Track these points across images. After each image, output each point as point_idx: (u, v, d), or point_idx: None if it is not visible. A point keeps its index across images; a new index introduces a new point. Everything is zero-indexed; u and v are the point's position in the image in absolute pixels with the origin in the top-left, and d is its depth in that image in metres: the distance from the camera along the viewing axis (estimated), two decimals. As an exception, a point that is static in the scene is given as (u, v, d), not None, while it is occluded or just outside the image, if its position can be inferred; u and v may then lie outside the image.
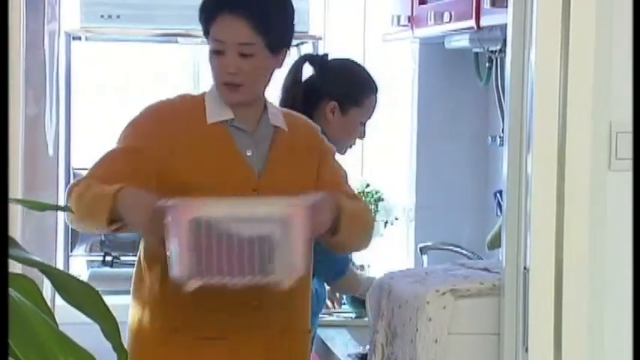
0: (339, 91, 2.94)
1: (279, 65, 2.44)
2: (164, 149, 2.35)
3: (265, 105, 2.44)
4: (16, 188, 1.40)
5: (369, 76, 3.01)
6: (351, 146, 3.01)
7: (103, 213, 2.18)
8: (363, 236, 2.47)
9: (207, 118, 2.38)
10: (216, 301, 2.26)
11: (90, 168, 2.34)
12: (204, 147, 2.38)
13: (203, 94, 2.43)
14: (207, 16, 2.36)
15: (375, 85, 2.99)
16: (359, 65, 3.07)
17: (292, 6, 2.43)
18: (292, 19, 2.44)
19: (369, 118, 2.99)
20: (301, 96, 2.95)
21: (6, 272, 1.17)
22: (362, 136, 2.99)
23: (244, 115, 2.41)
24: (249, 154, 2.39)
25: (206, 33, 2.38)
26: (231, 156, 2.39)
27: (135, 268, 2.43)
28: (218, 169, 2.37)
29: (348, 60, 3.10)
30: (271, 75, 2.44)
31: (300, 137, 2.48)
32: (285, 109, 2.58)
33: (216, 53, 2.36)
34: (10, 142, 1.40)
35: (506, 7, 2.06)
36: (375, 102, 2.98)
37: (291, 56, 4.14)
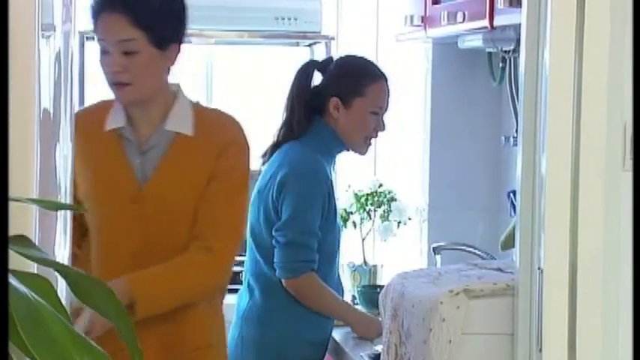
0: (338, 86, 2.92)
1: (172, 62, 2.38)
2: (77, 164, 2.36)
3: (172, 107, 2.37)
4: (31, 188, 1.41)
5: (372, 65, 2.98)
6: (369, 141, 2.96)
7: None
8: (188, 294, 2.35)
9: (105, 125, 2.36)
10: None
11: None
12: (98, 157, 2.36)
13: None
14: (92, 16, 2.33)
15: (381, 73, 2.94)
16: (360, 57, 3.04)
17: (181, 1, 2.37)
18: (181, 13, 2.37)
19: (382, 108, 2.93)
20: (307, 103, 2.95)
21: (6, 271, 1.17)
22: (381, 127, 2.94)
23: (140, 119, 2.36)
24: (137, 162, 2.34)
25: (96, 34, 2.34)
26: (117, 165, 2.34)
27: None
28: (105, 180, 2.34)
29: (349, 55, 3.08)
30: (165, 73, 2.38)
31: (204, 142, 2.37)
32: (209, 110, 2.49)
33: (102, 54, 2.33)
34: (27, 143, 1.40)
35: (521, 6, 2.05)
36: (384, 90, 2.93)
37: (305, 56, 4.18)
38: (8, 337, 1.17)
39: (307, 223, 2.83)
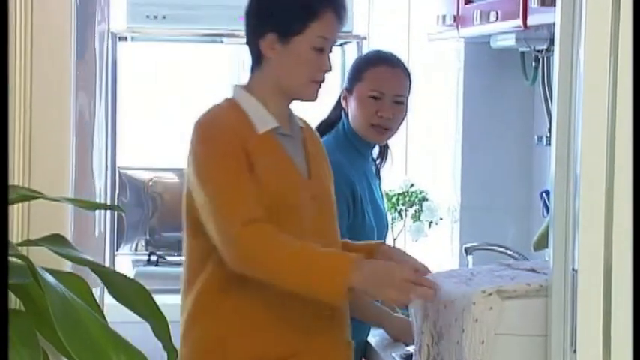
0: (347, 76, 2.92)
1: None
2: (251, 177, 2.25)
3: None
4: (67, 188, 1.42)
5: (380, 52, 2.95)
6: (379, 129, 2.91)
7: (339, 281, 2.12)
8: None
9: (258, 128, 2.31)
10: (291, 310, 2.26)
11: (231, 201, 2.19)
12: (265, 159, 2.31)
13: (232, 103, 2.35)
14: (311, 11, 2.33)
15: (384, 59, 2.89)
16: (376, 50, 3.03)
17: None
18: None
19: (383, 92, 2.84)
20: (339, 102, 2.96)
21: (6, 271, 1.18)
22: (385, 112, 2.87)
23: (284, 117, 2.39)
24: (297, 159, 2.36)
25: (303, 28, 2.32)
26: (286, 164, 2.34)
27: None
28: (282, 181, 2.31)
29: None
30: None
31: (311, 132, 2.50)
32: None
33: (317, 51, 2.33)
34: (63, 144, 1.42)
35: (554, 5, 2.04)
36: (386, 74, 2.86)
37: (336, 56, 4.17)
38: (8, 336, 1.17)
39: None
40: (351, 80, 2.90)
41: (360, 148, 2.92)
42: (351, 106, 2.90)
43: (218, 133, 2.27)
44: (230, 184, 2.21)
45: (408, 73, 2.96)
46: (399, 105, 2.91)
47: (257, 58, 2.37)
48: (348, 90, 2.91)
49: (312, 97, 2.38)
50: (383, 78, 2.89)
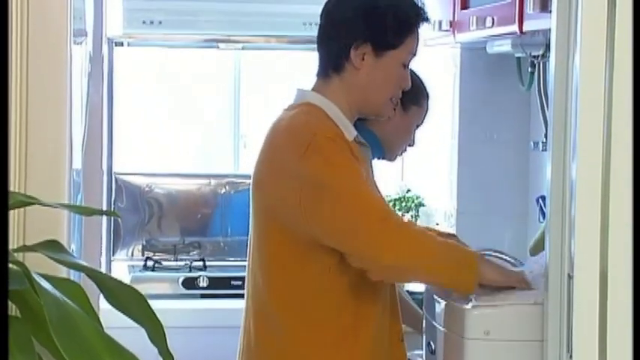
0: (407, 95, 2.83)
1: None
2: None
3: None
4: (62, 193, 1.42)
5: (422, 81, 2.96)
6: (401, 153, 2.92)
7: (469, 275, 2.14)
8: None
9: (347, 136, 2.26)
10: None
11: (369, 202, 2.15)
12: (363, 166, 2.29)
13: (317, 109, 2.28)
14: (408, 26, 2.29)
15: (428, 92, 2.92)
16: (418, 75, 3.00)
17: None
18: None
19: (421, 124, 2.90)
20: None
21: (6, 272, 1.18)
22: (412, 143, 2.90)
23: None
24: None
25: (399, 43, 2.28)
26: (370, 171, 2.36)
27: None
28: (375, 187, 2.31)
29: None
30: None
31: None
32: None
33: (404, 68, 2.31)
34: (58, 148, 1.41)
35: (550, 11, 2.04)
36: (428, 109, 2.91)
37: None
38: (8, 337, 1.17)
39: None
40: (409, 100, 2.82)
41: (371, 159, 2.90)
42: (401, 121, 2.75)
43: (331, 144, 2.19)
44: (363, 186, 2.17)
45: None
46: None
47: (338, 65, 2.29)
48: (404, 106, 2.82)
49: (388, 114, 2.37)
50: (426, 113, 2.87)
